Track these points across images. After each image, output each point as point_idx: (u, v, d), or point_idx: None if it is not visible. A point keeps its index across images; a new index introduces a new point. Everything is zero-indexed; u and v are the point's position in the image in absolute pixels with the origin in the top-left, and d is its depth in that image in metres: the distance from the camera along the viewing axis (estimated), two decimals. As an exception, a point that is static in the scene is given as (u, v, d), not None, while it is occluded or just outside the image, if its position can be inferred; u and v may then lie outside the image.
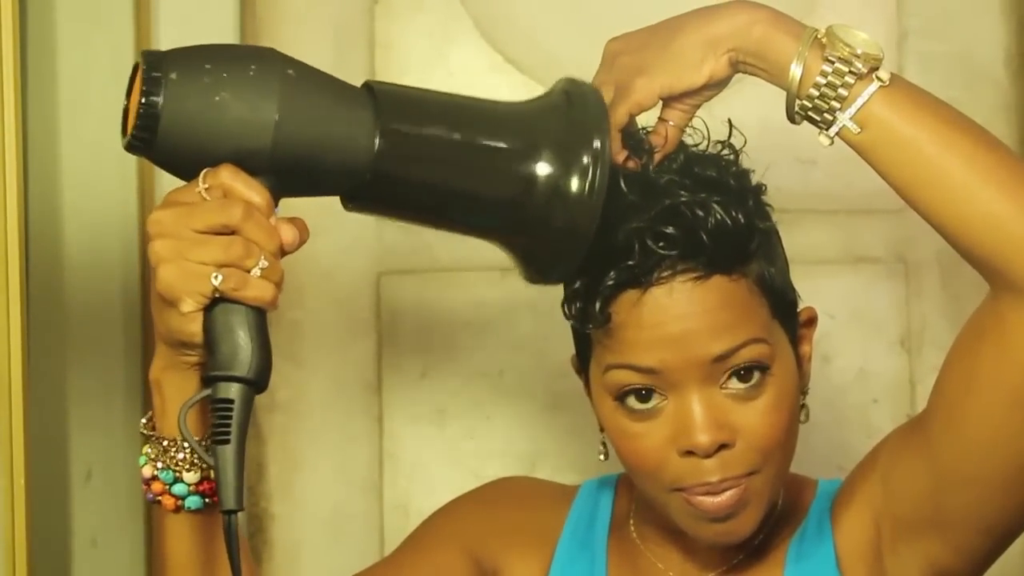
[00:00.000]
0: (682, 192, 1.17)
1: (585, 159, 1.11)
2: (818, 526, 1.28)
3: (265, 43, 1.79)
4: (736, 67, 1.16)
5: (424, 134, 1.10)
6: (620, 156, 1.18)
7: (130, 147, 1.05)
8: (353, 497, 1.75)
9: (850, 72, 1.11)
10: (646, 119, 1.22)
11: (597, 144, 1.12)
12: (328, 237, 1.73)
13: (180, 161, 1.05)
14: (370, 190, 1.10)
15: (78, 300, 1.70)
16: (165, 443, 1.10)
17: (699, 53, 1.15)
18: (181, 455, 1.10)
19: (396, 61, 1.76)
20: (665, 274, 1.16)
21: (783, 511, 1.30)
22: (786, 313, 1.24)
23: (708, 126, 1.24)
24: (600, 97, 1.16)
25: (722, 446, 1.17)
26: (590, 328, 1.19)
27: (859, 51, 1.11)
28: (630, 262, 1.15)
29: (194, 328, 1.04)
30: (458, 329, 1.76)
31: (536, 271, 1.18)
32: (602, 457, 1.29)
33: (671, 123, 1.20)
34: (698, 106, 1.20)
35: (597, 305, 1.16)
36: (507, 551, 1.32)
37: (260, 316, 1.05)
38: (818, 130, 1.14)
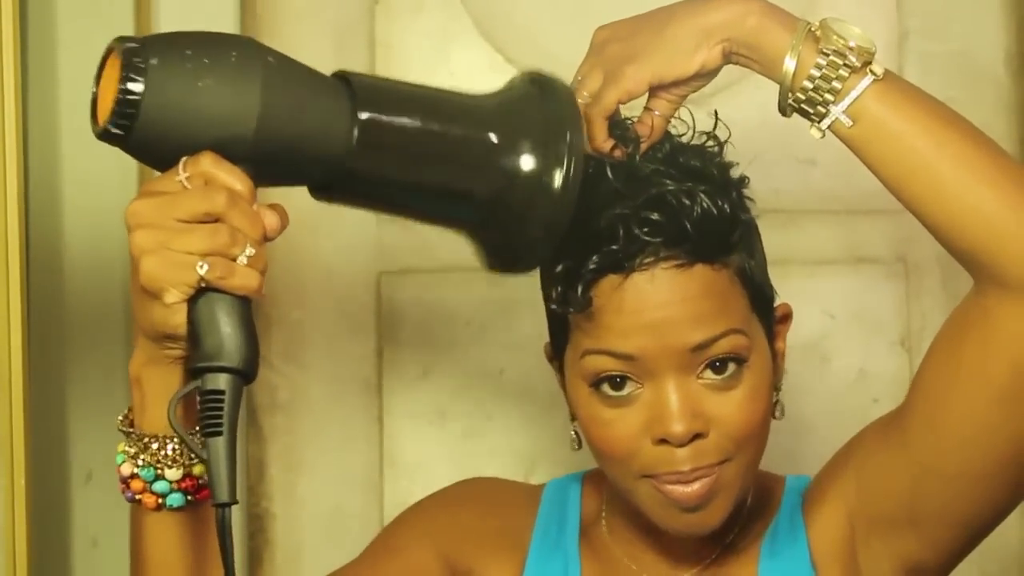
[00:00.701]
0: (668, 181, 1.17)
1: (559, 152, 1.11)
2: (790, 523, 1.28)
3: (265, 42, 1.79)
4: (728, 58, 1.16)
5: (401, 125, 1.09)
6: (607, 145, 1.18)
7: (104, 136, 1.02)
8: (353, 497, 1.75)
9: (844, 65, 1.11)
10: (631, 109, 1.22)
11: (570, 137, 1.11)
12: (328, 237, 1.73)
13: (158, 150, 1.02)
14: (344, 180, 1.08)
15: (78, 300, 1.70)
16: (146, 439, 1.08)
17: (692, 42, 1.15)
18: (163, 451, 1.08)
19: (396, 61, 1.76)
20: (647, 260, 1.16)
21: (753, 508, 1.30)
22: (764, 307, 1.24)
23: (695, 118, 1.24)
24: (569, 89, 1.16)
25: (696, 436, 1.17)
26: (571, 312, 1.18)
27: (852, 44, 1.11)
28: (613, 247, 1.15)
29: (178, 320, 1.01)
30: (458, 329, 1.76)
31: (504, 262, 1.17)
32: (575, 447, 1.28)
33: (657, 113, 1.20)
34: (685, 97, 1.20)
35: (579, 289, 1.16)
36: (480, 554, 1.31)
37: (246, 305, 1.02)
38: (809, 123, 1.14)
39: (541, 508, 1.33)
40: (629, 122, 1.21)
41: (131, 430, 1.09)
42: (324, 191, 1.10)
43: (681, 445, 1.17)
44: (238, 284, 1.01)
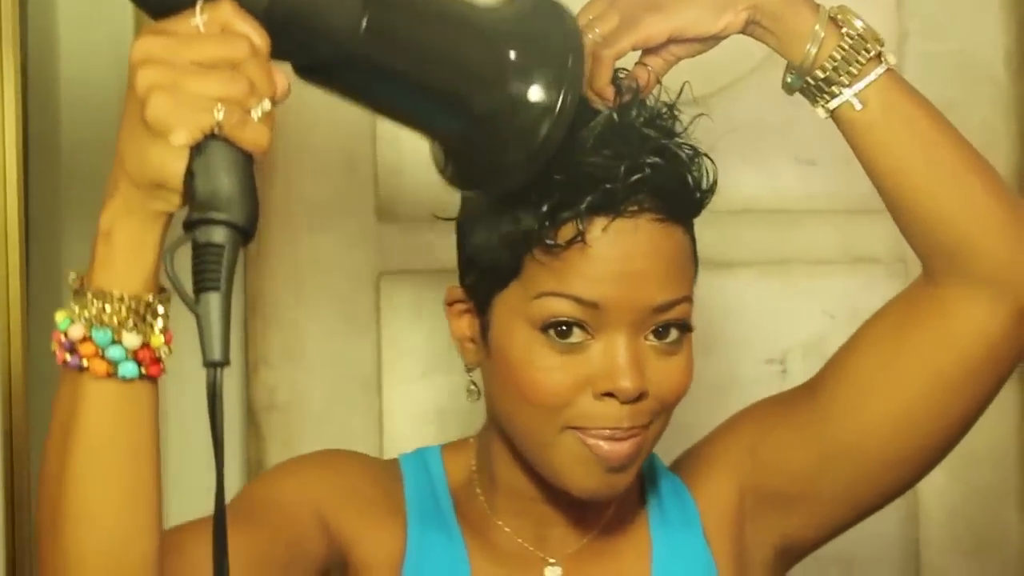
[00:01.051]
0: (662, 137, 1.16)
1: (561, 80, 1.10)
2: (674, 492, 1.28)
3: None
4: (748, 27, 1.17)
5: (412, 14, 1.07)
6: (608, 89, 1.17)
7: None
8: (353, 497, 1.75)
9: (864, 50, 1.14)
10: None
11: (572, 66, 1.10)
12: (328, 237, 1.73)
13: None
14: (343, 64, 1.05)
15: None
16: (107, 299, 0.97)
17: (721, 2, 1.15)
18: (125, 314, 0.97)
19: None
20: (632, 208, 1.14)
21: None
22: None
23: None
24: (575, 18, 1.15)
25: (641, 395, 1.16)
26: (558, 248, 1.14)
27: (874, 33, 1.14)
28: (608, 185, 1.13)
29: (179, 166, 0.93)
30: (458, 329, 1.76)
31: (475, 180, 1.15)
32: (475, 398, 1.25)
33: (651, 68, 1.19)
34: (682, 58, 1.19)
35: (578, 224, 1.13)
36: (360, 522, 1.23)
37: (250, 163, 0.95)
38: (813, 103, 1.16)
39: (406, 480, 1.28)
40: (623, 73, 1.20)
41: (88, 288, 0.98)
42: (316, 72, 1.06)
43: (627, 402, 1.15)
44: (250, 137, 0.94)
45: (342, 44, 1.03)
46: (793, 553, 1.29)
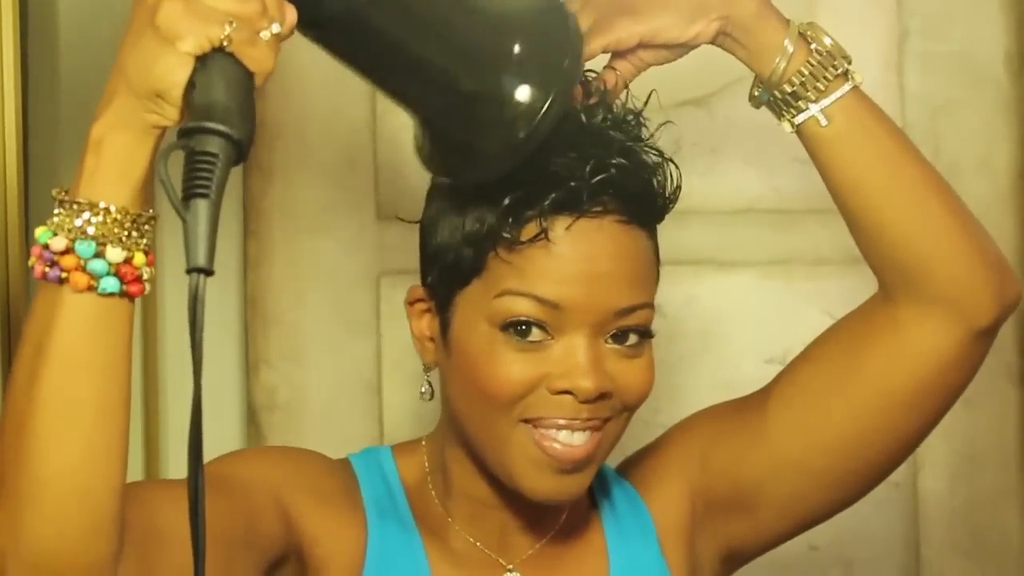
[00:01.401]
0: (628, 140, 1.16)
1: (554, 79, 1.10)
2: (626, 497, 1.27)
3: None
4: (718, 38, 1.17)
5: None
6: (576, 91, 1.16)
7: None
8: (353, 497, 1.75)
9: (832, 67, 1.15)
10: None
11: (567, 66, 1.11)
12: (328, 237, 1.73)
13: None
14: (343, 20, 1.05)
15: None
16: (93, 210, 0.94)
17: (693, 11, 1.16)
18: (110, 225, 0.95)
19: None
20: (596, 209, 1.14)
21: None
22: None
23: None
24: (575, 17, 1.15)
25: (602, 395, 1.15)
26: (521, 245, 1.14)
27: (842, 49, 1.16)
28: (572, 184, 1.12)
29: (182, 75, 0.92)
30: (458, 329, 1.76)
31: (452, 166, 1.15)
32: (427, 398, 1.26)
33: (618, 73, 1.19)
34: (650, 65, 1.20)
35: (539, 222, 1.12)
36: (321, 517, 1.21)
37: (252, 83, 0.96)
38: (779, 117, 1.18)
39: (361, 479, 1.26)
40: (592, 74, 1.19)
41: (74, 199, 0.95)
42: (317, 27, 1.06)
43: (587, 401, 1.14)
44: (255, 56, 0.94)
45: (343, 1, 1.03)
46: (736, 560, 1.29)
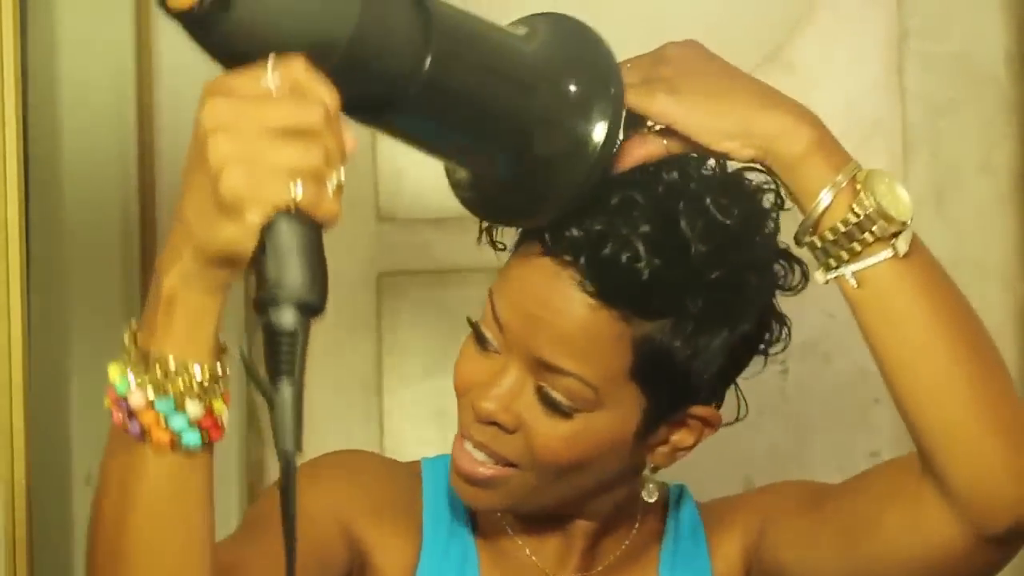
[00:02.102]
0: (625, 209, 1.09)
1: (612, 99, 1.06)
2: (692, 539, 1.25)
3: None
4: (755, 161, 1.11)
5: (474, 51, 1.02)
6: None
7: (195, 11, 0.88)
8: (353, 497, 1.75)
9: (870, 232, 1.06)
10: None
11: (615, 88, 1.06)
12: (328, 237, 1.72)
13: (245, 41, 0.88)
14: (397, 104, 0.99)
15: (79, 300, 1.70)
16: (169, 365, 0.91)
17: (731, 127, 1.08)
18: (187, 381, 0.92)
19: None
20: (568, 259, 1.09)
21: (643, 512, 1.25)
22: (661, 388, 1.13)
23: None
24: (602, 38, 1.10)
25: (494, 423, 1.13)
26: (499, 247, 1.17)
27: (889, 212, 1.05)
28: (547, 234, 1.10)
29: (249, 245, 0.88)
30: (458, 329, 1.75)
31: (513, 209, 1.11)
32: None
33: (665, 143, 1.11)
34: (670, 152, 1.12)
35: (499, 234, 1.15)
36: (378, 528, 1.21)
37: (320, 235, 0.92)
38: (817, 265, 1.10)
39: (425, 487, 1.25)
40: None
41: (151, 351, 0.92)
42: (365, 112, 1.00)
43: (478, 421, 1.13)
44: (325, 211, 0.90)
45: (401, 85, 0.98)
46: None
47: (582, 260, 1.09)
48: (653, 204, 1.09)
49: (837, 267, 1.08)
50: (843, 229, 1.06)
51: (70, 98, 1.70)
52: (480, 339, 1.15)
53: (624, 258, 1.08)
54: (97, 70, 1.71)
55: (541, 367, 1.12)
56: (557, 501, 1.19)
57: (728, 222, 1.11)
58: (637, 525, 1.25)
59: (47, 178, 1.69)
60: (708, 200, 1.11)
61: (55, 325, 1.69)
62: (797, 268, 1.17)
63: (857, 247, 1.06)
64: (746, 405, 1.21)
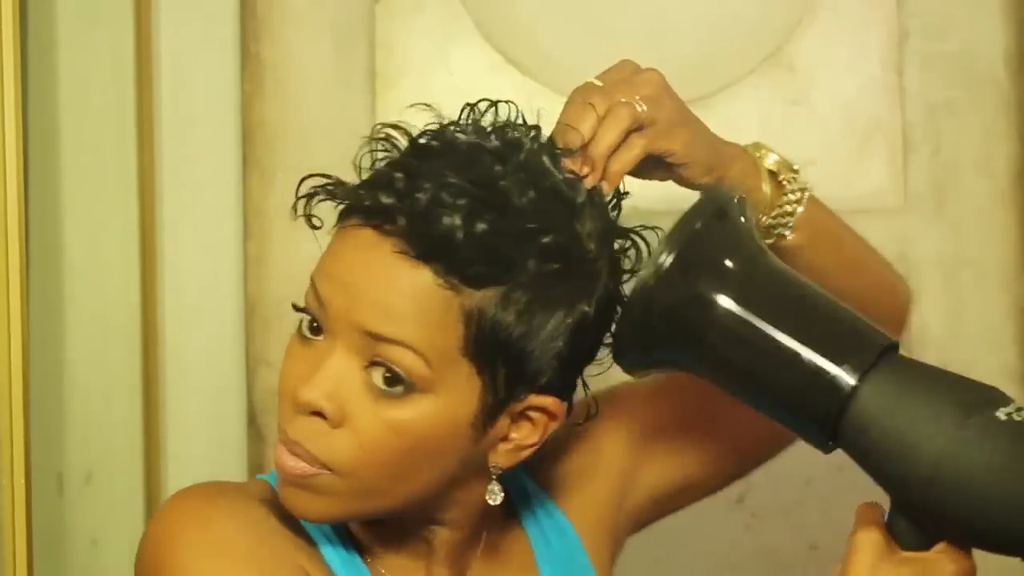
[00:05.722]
0: (456, 170, 1.05)
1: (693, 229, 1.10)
2: (548, 515, 1.21)
3: (265, 43, 1.80)
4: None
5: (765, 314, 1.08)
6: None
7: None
8: (353, 497, 1.75)
9: (793, 192, 1.22)
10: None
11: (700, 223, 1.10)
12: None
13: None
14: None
15: (78, 300, 1.70)
16: None
17: (711, 162, 1.17)
18: None
19: (396, 61, 1.76)
20: (388, 228, 1.04)
21: (491, 514, 1.16)
22: (496, 369, 1.06)
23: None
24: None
25: (318, 414, 1.05)
26: (318, 225, 1.10)
27: (792, 167, 1.22)
28: (367, 202, 1.06)
29: None
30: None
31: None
32: None
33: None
34: (648, 178, 1.18)
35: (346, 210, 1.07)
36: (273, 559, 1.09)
37: None
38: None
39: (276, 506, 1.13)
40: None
41: None
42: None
43: (299, 412, 1.06)
44: None
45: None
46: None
47: (400, 221, 1.03)
48: (476, 167, 1.05)
49: (779, 230, 1.22)
50: (785, 206, 1.21)
51: (70, 98, 1.70)
52: (301, 330, 1.08)
53: (441, 216, 1.03)
54: (97, 70, 1.71)
55: (368, 342, 1.05)
56: (399, 507, 1.10)
57: (556, 185, 1.07)
58: (498, 529, 1.18)
59: (47, 178, 1.69)
60: (535, 162, 1.07)
61: (54, 324, 1.69)
62: (638, 246, 1.12)
63: (789, 208, 1.22)
64: (596, 404, 1.16)
